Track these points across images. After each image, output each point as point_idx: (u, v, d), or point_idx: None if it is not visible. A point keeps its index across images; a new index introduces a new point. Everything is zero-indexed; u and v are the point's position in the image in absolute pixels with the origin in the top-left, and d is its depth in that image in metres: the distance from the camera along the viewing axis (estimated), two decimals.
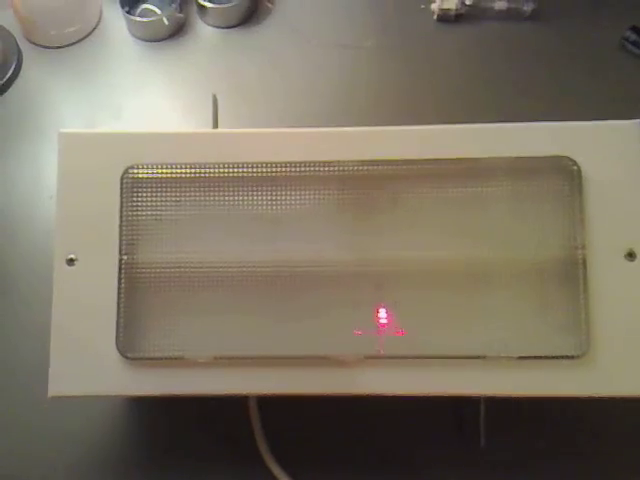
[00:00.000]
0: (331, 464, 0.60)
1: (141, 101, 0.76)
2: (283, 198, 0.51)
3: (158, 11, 0.78)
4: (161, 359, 0.50)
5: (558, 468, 0.59)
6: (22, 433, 0.63)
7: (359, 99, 0.75)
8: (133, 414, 0.63)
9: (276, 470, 0.59)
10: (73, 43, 0.78)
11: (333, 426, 0.61)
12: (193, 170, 0.51)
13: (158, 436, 0.62)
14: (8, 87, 0.76)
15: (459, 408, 0.60)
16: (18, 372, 0.65)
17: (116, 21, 0.79)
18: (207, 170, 0.51)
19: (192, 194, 0.51)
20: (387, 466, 0.60)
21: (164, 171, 0.51)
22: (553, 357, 0.48)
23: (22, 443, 0.63)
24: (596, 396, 0.48)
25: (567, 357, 0.48)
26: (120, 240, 0.50)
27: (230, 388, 0.50)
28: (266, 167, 0.51)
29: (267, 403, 0.59)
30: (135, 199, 0.51)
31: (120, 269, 0.50)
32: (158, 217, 0.51)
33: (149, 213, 0.51)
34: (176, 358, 0.50)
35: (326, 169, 0.51)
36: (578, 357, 0.48)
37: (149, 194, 0.51)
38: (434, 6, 0.77)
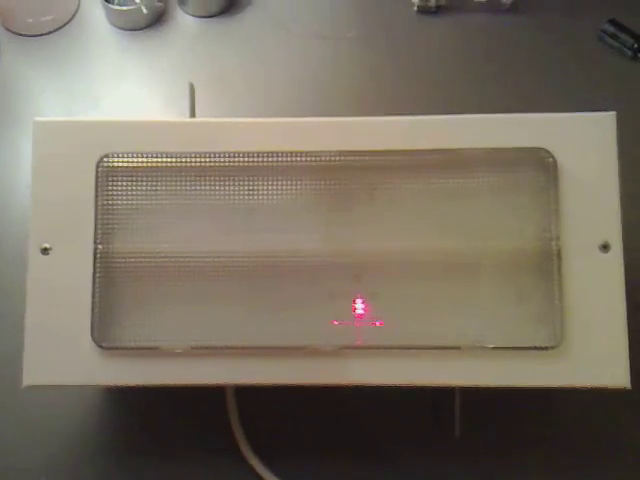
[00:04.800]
0: (307, 454, 0.60)
1: (119, 90, 0.75)
2: (260, 188, 0.51)
3: None
4: (137, 349, 0.50)
5: (531, 459, 0.60)
6: None
7: (340, 90, 0.75)
8: (109, 404, 0.63)
9: (253, 460, 0.58)
10: (51, 31, 0.77)
11: (309, 416, 0.61)
12: (169, 159, 0.50)
13: (135, 426, 0.62)
14: None
15: (434, 399, 0.61)
16: None
17: (94, 9, 0.78)
18: (183, 159, 0.51)
19: (168, 183, 0.51)
20: (362, 456, 0.60)
21: (139, 160, 0.50)
22: (527, 348, 0.49)
23: None
24: (570, 387, 0.49)
25: (541, 348, 0.49)
26: (95, 229, 0.50)
27: (207, 378, 0.50)
28: (243, 157, 0.51)
29: (244, 393, 0.59)
30: (110, 188, 0.50)
31: (95, 258, 0.50)
32: (134, 206, 0.51)
33: (125, 202, 0.50)
34: (152, 348, 0.50)
35: (304, 159, 0.51)
36: (552, 348, 0.48)
37: (124, 183, 0.50)
38: None
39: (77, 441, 0.62)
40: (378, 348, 0.50)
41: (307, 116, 0.52)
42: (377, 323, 0.50)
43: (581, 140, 0.50)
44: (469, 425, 0.57)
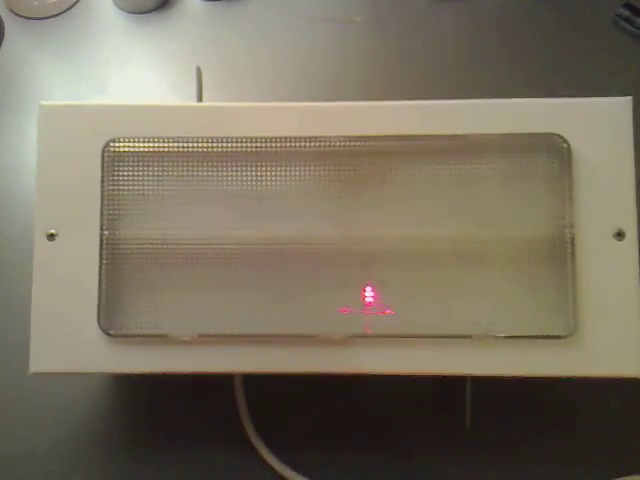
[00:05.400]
0: (317, 444, 0.60)
1: (126, 74, 0.74)
2: (268, 174, 0.50)
3: None
4: (144, 337, 0.49)
5: (543, 450, 0.59)
6: (4, 410, 0.62)
7: (349, 74, 0.74)
8: (116, 391, 0.63)
9: (262, 449, 0.58)
10: (56, 14, 0.76)
11: (319, 406, 0.61)
12: (176, 144, 0.50)
13: (141, 414, 0.62)
14: None
15: (445, 389, 0.60)
16: None
17: None
18: (190, 144, 0.50)
19: (175, 169, 0.50)
20: (372, 446, 0.60)
21: (146, 145, 0.50)
22: (540, 337, 0.48)
23: (4, 420, 0.62)
24: (583, 376, 0.48)
25: (554, 337, 0.48)
26: (101, 215, 0.49)
27: (214, 366, 0.50)
28: (251, 142, 0.50)
29: (252, 382, 0.59)
30: (116, 173, 0.50)
31: (101, 245, 0.49)
32: (140, 192, 0.50)
33: (131, 188, 0.50)
34: (159, 336, 0.49)
35: (312, 144, 0.50)
36: (565, 337, 0.48)
37: (131, 168, 0.50)
38: None
39: (84, 430, 0.62)
40: (387, 337, 0.49)
41: (315, 100, 0.51)
42: (387, 311, 0.49)
43: (596, 125, 0.49)
44: (480, 415, 0.57)
